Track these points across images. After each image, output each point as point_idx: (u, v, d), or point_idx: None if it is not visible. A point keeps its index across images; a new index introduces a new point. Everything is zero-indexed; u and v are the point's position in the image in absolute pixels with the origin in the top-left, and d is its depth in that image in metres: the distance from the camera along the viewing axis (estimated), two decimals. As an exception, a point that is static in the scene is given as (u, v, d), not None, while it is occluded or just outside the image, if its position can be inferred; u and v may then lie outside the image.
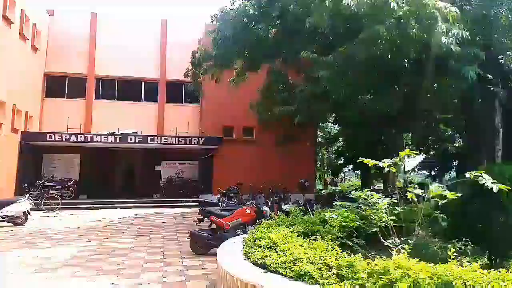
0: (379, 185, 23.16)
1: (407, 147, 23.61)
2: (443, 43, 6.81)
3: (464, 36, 6.99)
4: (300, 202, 10.12)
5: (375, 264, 3.76)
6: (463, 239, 5.80)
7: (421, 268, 3.57)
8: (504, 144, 8.97)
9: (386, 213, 5.00)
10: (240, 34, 13.25)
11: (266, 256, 4.38)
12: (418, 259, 3.81)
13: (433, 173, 25.82)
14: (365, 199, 5.44)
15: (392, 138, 18.14)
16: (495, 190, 4.48)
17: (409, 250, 4.20)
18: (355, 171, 26.76)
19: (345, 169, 30.32)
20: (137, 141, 19.10)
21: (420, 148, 24.47)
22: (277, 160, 20.33)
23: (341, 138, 25.94)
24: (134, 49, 21.29)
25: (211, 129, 20.81)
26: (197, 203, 16.60)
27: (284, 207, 9.12)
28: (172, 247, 8.44)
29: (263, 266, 4.27)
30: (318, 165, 30.88)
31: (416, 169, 29.13)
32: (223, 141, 20.68)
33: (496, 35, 8.30)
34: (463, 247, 5.70)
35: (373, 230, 5.02)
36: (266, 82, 17.72)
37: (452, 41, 6.82)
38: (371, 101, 10.34)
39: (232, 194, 16.28)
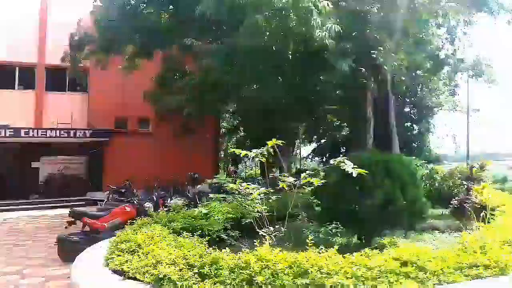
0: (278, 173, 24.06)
1: (302, 136, 25.08)
2: (318, 36, 7.07)
3: (337, 30, 7.36)
4: (189, 195, 9.78)
5: (239, 258, 3.62)
6: (334, 222, 6.13)
7: (282, 258, 3.53)
8: (375, 132, 9.84)
9: (259, 203, 4.94)
10: (128, 17, 12.22)
11: (126, 261, 3.94)
12: (280, 249, 3.78)
13: (324, 159, 27.77)
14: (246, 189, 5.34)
15: (289, 128, 18.87)
16: (354, 175, 4.71)
17: (269, 241, 4.16)
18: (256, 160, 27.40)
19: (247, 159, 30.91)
20: (7, 134, 16.53)
21: (314, 136, 26.18)
22: (176, 153, 19.63)
23: (242, 128, 26.28)
24: (7, 28, 18.25)
25: (101, 121, 19.11)
26: (83, 203, 15.09)
27: (171, 202, 8.68)
28: (38, 255, 7.37)
29: (121, 273, 3.83)
30: (222, 155, 30.94)
31: (310, 156, 31.15)
32: (115, 134, 19.17)
33: (368, 31, 8.95)
34: (333, 230, 6.02)
35: (247, 221, 4.96)
36: (161, 70, 16.84)
37: (326, 34, 7.12)
38: (257, 91, 10.44)
39: (123, 191, 15.16)
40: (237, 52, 8.54)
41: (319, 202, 6.66)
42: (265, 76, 9.51)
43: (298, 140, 27.53)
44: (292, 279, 3.32)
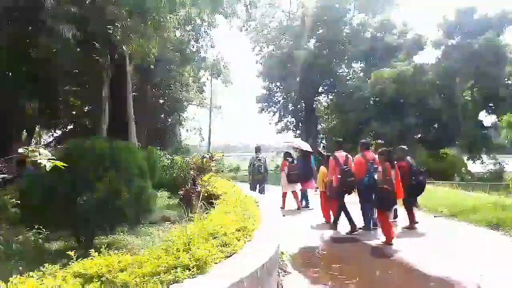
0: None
1: (42, 120, 20.97)
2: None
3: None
4: None
5: None
6: (37, 226, 4.86)
7: None
8: (115, 120, 8.87)
9: None
10: None
11: None
12: None
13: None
14: None
15: (19, 107, 15.07)
16: (47, 168, 3.55)
17: None
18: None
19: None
20: None
21: (59, 120, 22.50)
22: None
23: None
24: None
25: None
26: None
27: None
28: None
29: None
30: None
31: (52, 144, 26.97)
32: None
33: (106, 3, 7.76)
34: (34, 236, 4.76)
35: None
36: None
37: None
38: None
39: None
40: None
41: (18, 202, 5.16)
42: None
43: (38, 125, 23.10)
44: None
